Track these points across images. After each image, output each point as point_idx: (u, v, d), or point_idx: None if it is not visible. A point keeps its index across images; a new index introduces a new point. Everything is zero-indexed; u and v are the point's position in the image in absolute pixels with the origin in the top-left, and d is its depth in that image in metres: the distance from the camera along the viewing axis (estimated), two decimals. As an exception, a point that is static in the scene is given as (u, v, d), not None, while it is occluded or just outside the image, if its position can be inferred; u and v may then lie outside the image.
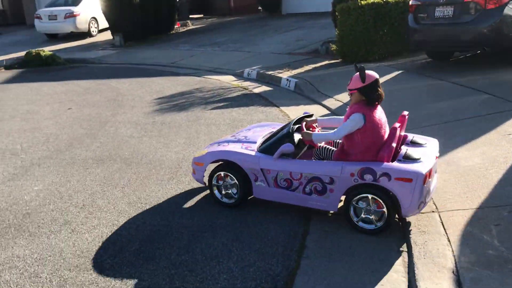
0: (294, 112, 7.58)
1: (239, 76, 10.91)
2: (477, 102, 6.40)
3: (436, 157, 4.00)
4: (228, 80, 10.50)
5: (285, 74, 9.95)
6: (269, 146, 4.21)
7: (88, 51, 15.78)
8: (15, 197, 4.96)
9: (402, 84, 7.95)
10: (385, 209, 3.74)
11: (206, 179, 4.60)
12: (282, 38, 14.56)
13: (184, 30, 18.96)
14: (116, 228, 4.18)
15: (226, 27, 18.44)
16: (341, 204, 4.05)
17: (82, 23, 18.20)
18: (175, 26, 18.68)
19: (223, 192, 4.45)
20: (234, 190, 4.39)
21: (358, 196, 3.82)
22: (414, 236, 3.75)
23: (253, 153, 4.26)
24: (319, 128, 4.47)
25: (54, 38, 19.06)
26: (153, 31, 17.30)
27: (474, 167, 4.67)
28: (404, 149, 3.96)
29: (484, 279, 3.08)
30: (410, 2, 8.76)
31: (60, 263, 3.70)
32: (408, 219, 3.95)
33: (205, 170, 4.52)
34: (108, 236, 4.06)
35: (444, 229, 3.80)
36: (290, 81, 9.41)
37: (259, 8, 21.70)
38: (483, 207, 3.97)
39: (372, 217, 3.83)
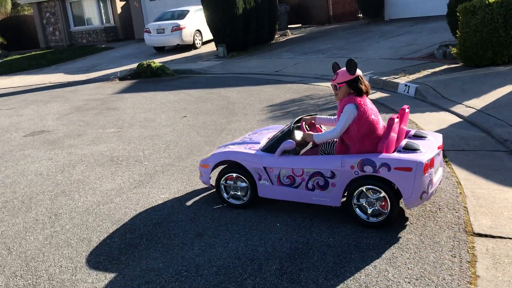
0: (421, 120, 6.93)
1: (349, 83, 10.40)
2: None
3: (439, 148, 3.97)
4: (338, 87, 10.03)
5: (401, 80, 9.28)
6: (271, 145, 4.30)
7: (194, 62, 16.12)
8: (143, 205, 4.88)
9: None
10: (388, 201, 3.72)
11: (212, 181, 4.72)
12: (390, 44, 13.82)
13: (284, 39, 18.81)
14: (251, 243, 3.87)
15: (327, 35, 18.00)
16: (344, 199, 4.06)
17: (187, 35, 18.73)
18: (275, 36, 18.60)
19: (232, 193, 4.53)
20: (243, 192, 4.48)
21: (360, 189, 3.81)
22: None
23: (256, 152, 4.35)
24: (318, 125, 4.57)
25: (161, 50, 19.81)
26: (254, 42, 17.36)
27: None
28: (404, 141, 3.97)
29: None
30: (554, -4, 7.73)
31: (198, 281, 3.45)
32: None
33: (211, 172, 4.63)
34: (244, 251, 3.76)
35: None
36: (409, 86, 8.74)
37: (359, 15, 20.98)
38: None
39: (370, 210, 3.83)
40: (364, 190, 3.82)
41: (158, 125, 8.28)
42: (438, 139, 4.12)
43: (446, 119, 6.86)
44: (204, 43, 19.77)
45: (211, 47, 18.45)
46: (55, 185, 5.72)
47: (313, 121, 4.51)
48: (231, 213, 4.47)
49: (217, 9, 16.06)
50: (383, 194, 3.74)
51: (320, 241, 3.79)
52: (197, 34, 19.27)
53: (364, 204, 3.87)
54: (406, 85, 8.84)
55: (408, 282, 3.15)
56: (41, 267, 3.86)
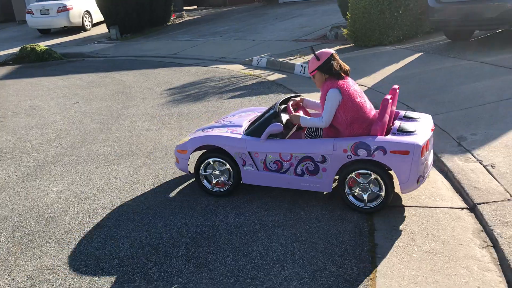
0: (316, 98, 7.14)
1: (248, 64, 10.46)
2: (517, 81, 6.00)
3: (432, 129, 3.84)
4: (237, 69, 10.03)
5: (298, 61, 9.50)
6: (256, 128, 4.00)
7: (84, 45, 15.17)
8: (33, 200, 4.47)
9: (427, 66, 7.54)
10: (383, 186, 3.57)
11: (191, 168, 4.35)
12: (285, 26, 14.08)
13: (181, 21, 18.40)
14: (155, 231, 3.72)
15: (224, 17, 17.91)
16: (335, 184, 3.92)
17: (75, 17, 17.54)
18: (171, 18, 18.12)
19: (214, 181, 4.20)
20: (226, 177, 4.15)
21: (353, 173, 3.62)
22: (496, 228, 3.35)
23: (239, 136, 4.05)
24: (305, 108, 4.31)
25: (47, 33, 18.38)
26: (149, 23, 16.77)
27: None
28: (397, 123, 3.80)
29: None
30: (431, -20, 8.34)
31: (99, 275, 3.24)
32: (482, 208, 3.55)
33: (189, 158, 4.27)
34: (148, 240, 3.60)
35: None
36: (304, 67, 8.95)
37: (255, -3, 21.17)
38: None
39: (366, 195, 3.68)
40: (354, 176, 3.63)
41: (46, 113, 7.64)
42: (429, 120, 3.97)
43: (340, 97, 7.13)
44: (94, 25, 18.70)
45: (103, 29, 17.49)
46: None
47: (300, 103, 4.23)
48: (132, 202, 4.26)
49: (107, -11, 15.23)
50: (373, 176, 3.57)
51: (226, 223, 3.75)
52: (87, 16, 18.14)
53: (358, 191, 3.69)
54: (302, 66, 9.06)
55: (314, 256, 3.22)
56: None
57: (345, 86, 3.59)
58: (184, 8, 21.70)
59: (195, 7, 22.88)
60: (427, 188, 4.00)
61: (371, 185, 3.62)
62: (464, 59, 7.51)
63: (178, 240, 3.57)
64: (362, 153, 3.53)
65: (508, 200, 3.67)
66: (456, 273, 2.95)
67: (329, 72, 3.65)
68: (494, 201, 3.66)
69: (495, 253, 3.15)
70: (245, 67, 10.17)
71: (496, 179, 3.95)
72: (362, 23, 9.64)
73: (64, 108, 7.79)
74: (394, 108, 3.99)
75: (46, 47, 13.62)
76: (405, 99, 6.05)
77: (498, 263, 3.04)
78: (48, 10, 17.27)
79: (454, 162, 4.29)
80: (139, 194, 4.41)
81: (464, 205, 3.76)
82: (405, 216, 3.62)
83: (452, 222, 3.50)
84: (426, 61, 7.88)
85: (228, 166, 4.07)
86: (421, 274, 2.96)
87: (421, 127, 3.71)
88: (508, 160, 4.17)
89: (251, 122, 4.27)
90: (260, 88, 7.98)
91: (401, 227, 3.49)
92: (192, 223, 3.80)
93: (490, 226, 3.38)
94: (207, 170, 4.18)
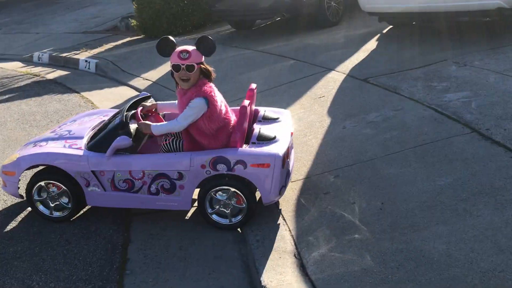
0: (99, 97, 6.70)
1: (28, 61, 9.47)
2: (285, 69, 6.39)
3: (292, 133, 3.65)
4: (14, 67, 8.96)
5: (83, 55, 8.85)
6: (100, 142, 3.41)
7: None
8: None
9: (212, 57, 7.62)
10: (244, 200, 3.27)
11: (22, 191, 3.67)
12: (75, 16, 13.12)
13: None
14: None
15: (7, 7, 15.95)
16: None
17: None
18: None
19: (52, 205, 3.56)
20: (65, 199, 3.54)
21: (213, 190, 3.28)
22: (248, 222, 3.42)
23: (80, 152, 3.43)
24: (159, 114, 3.79)
25: None
26: None
27: (294, 134, 4.55)
28: (257, 128, 3.53)
29: (328, 257, 2.87)
30: (207, -30, 8.44)
31: None
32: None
33: (19, 180, 3.58)
34: None
35: (278, 207, 3.54)
36: (89, 62, 8.37)
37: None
38: (310, 176, 3.84)
39: (229, 211, 3.34)
40: (212, 194, 3.27)
41: None
42: (289, 119, 3.74)
43: (124, 93, 6.79)
44: None
45: None
46: None
47: (153, 110, 3.66)
48: None
49: None
50: (232, 189, 3.24)
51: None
52: None
53: (221, 209, 3.32)
54: (86, 61, 8.45)
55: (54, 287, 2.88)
56: None
57: (213, 95, 3.22)
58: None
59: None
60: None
61: (232, 199, 3.31)
62: (245, 48, 7.78)
63: None
64: (222, 168, 3.18)
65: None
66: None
67: (206, 74, 3.25)
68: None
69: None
70: (25, 65, 9.16)
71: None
72: (149, 14, 9.38)
73: None
74: (253, 106, 3.72)
75: None
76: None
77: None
78: None
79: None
80: None
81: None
82: (165, 221, 3.49)
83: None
84: (211, 51, 7.97)
85: (64, 187, 3.46)
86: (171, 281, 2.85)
87: (281, 131, 3.50)
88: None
89: (94, 132, 3.66)
90: (34, 89, 7.19)
91: (158, 233, 3.34)
92: None
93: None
94: (41, 194, 3.52)
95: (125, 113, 3.45)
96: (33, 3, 16.13)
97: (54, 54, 9.27)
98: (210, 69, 3.29)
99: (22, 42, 10.70)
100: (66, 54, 9.16)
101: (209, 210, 3.33)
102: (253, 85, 3.69)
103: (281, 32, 8.41)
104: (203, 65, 3.24)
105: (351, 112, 4.75)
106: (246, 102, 3.41)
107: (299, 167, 3.95)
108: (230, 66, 6.91)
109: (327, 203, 3.39)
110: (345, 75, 5.72)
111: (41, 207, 3.58)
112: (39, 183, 3.49)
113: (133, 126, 3.38)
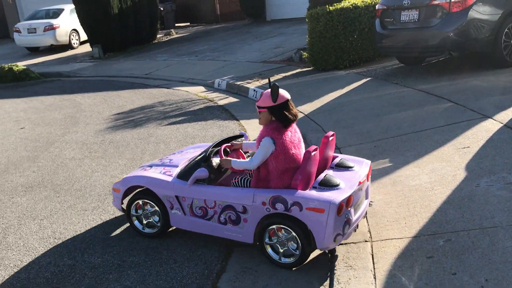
0: (254, 125, 7.20)
1: (210, 87, 10.56)
2: (438, 112, 6.00)
3: (360, 183, 3.59)
4: (196, 91, 10.15)
5: (253, 84, 9.58)
6: (185, 172, 3.86)
7: (66, 64, 15.47)
8: None
9: (366, 93, 7.57)
10: (299, 242, 3.39)
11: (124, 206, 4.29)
12: (260, 46, 14.20)
13: (167, 39, 18.65)
14: (17, 270, 3.80)
15: (209, 35, 18.10)
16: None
17: (62, 35, 17.93)
18: (158, 36, 18.38)
19: (144, 221, 4.12)
20: (156, 218, 4.07)
21: (270, 228, 3.45)
22: (339, 272, 3.37)
23: (169, 178, 3.92)
24: (244, 152, 4.13)
25: (35, 51, 18.77)
26: (134, 42, 17.01)
27: (421, 186, 4.28)
28: (324, 174, 3.61)
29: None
30: (376, 7, 8.41)
31: None
32: (337, 250, 3.57)
33: (122, 197, 4.19)
34: (5, 279, 3.68)
35: (373, 263, 3.41)
36: (257, 92, 9.04)
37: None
38: (419, 236, 3.59)
39: (282, 250, 3.50)
40: (275, 228, 3.47)
41: (-12, 138, 7.83)
42: (364, 169, 3.77)
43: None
44: (82, 43, 19.03)
45: (89, 47, 17.81)
46: None
47: (237, 147, 4.07)
48: (13, 237, 4.34)
49: (89, 8, 15.53)
50: (293, 233, 3.40)
51: (87, 262, 3.81)
52: (74, 34, 18.51)
53: (275, 243, 3.53)
54: (254, 90, 9.14)
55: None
56: None
57: (282, 138, 3.41)
58: (177, 25, 21.98)
59: (188, 23, 23.14)
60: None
61: (290, 242, 3.47)
62: (404, 86, 7.52)
63: (33, 279, 3.65)
64: (280, 207, 3.38)
65: (366, 241, 3.69)
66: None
67: (279, 116, 3.44)
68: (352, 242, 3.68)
69: None
70: (206, 90, 10.28)
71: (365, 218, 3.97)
72: (319, 47, 9.71)
73: (7, 134, 7.95)
74: (331, 152, 3.86)
75: (24, 67, 13.90)
76: (329, 129, 6.08)
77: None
78: (35, 29, 17.67)
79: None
80: (24, 229, 4.47)
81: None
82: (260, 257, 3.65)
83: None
84: (370, 87, 7.90)
85: (156, 208, 4.01)
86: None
87: (349, 179, 3.54)
88: (386, 198, 4.17)
89: (189, 162, 4.10)
90: (204, 113, 8.07)
91: (251, 268, 3.52)
92: (55, 262, 3.87)
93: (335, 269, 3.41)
94: (138, 211, 4.12)
95: (210, 149, 3.88)
96: (231, 32, 17.97)
97: (231, 81, 10.23)
98: (290, 116, 3.43)
99: (210, 68, 12.05)
100: (240, 82, 10.03)
101: (266, 240, 3.51)
102: (330, 133, 3.80)
103: (449, 71, 7.87)
104: (272, 109, 3.40)
105: (493, 169, 4.26)
106: (312, 148, 3.48)
107: (412, 224, 3.73)
108: (382, 104, 6.76)
109: (425, 269, 3.14)
110: (501, 125, 5.14)
111: (136, 222, 4.12)
112: (137, 201, 4.04)
113: (215, 161, 3.80)
